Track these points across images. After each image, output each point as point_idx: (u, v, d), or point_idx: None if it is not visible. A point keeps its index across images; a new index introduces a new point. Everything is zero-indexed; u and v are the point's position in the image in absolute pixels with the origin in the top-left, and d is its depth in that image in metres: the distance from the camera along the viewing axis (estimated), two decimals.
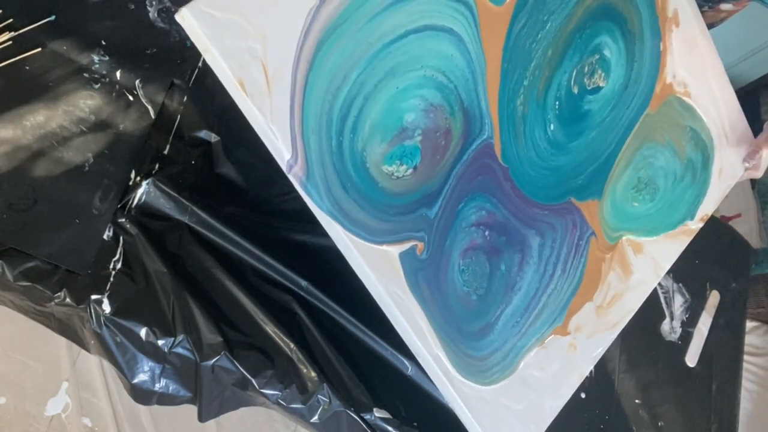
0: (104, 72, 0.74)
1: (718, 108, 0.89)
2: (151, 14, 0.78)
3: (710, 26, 0.98)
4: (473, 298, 0.71)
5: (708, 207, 0.93)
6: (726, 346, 1.04)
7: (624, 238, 0.84)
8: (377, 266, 0.63)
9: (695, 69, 0.85)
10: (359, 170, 0.62)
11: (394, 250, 0.64)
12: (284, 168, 0.57)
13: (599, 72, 0.77)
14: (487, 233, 0.71)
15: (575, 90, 0.76)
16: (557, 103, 0.75)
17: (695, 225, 0.92)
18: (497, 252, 0.73)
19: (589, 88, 0.77)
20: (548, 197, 0.76)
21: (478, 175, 0.70)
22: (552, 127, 0.75)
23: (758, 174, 0.93)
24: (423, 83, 0.64)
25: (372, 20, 0.60)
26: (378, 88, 0.62)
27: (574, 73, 0.75)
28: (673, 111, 0.85)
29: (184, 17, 0.50)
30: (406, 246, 0.65)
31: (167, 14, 0.79)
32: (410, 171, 0.65)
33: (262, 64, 0.53)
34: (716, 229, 1.13)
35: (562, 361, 0.76)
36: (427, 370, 0.67)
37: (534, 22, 0.70)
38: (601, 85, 0.78)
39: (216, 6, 0.51)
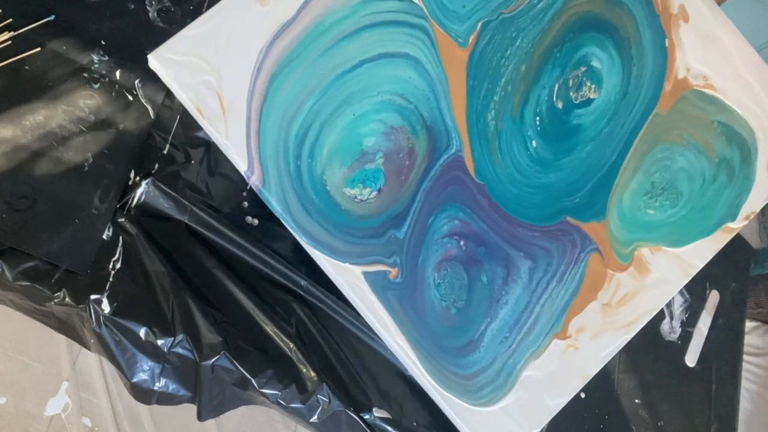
0: (104, 72, 0.74)
1: (756, 98, 0.82)
2: (150, 14, 0.78)
3: None
4: (452, 312, 0.69)
5: (754, 204, 0.84)
6: (726, 346, 1.04)
7: (639, 249, 0.79)
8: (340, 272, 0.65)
9: (715, 61, 0.80)
10: (320, 193, 0.64)
11: (358, 270, 0.65)
12: (245, 176, 0.62)
13: (588, 84, 0.76)
14: (462, 243, 0.70)
15: (559, 105, 0.75)
16: (538, 119, 0.74)
17: (737, 225, 0.84)
18: (476, 262, 0.71)
19: (576, 102, 0.76)
20: (538, 217, 0.74)
21: (448, 186, 0.69)
22: (534, 143, 0.74)
23: None
24: (381, 108, 0.65)
25: (324, 54, 0.63)
26: (334, 115, 0.64)
27: (556, 88, 0.74)
28: (692, 107, 0.80)
29: (150, 62, 0.60)
30: (373, 269, 0.65)
31: (167, 14, 0.79)
32: (374, 194, 0.65)
33: (217, 94, 0.60)
34: None
35: (560, 360, 0.75)
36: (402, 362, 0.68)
37: (501, 38, 0.70)
38: (592, 97, 0.76)
39: (175, 51, 0.60)
